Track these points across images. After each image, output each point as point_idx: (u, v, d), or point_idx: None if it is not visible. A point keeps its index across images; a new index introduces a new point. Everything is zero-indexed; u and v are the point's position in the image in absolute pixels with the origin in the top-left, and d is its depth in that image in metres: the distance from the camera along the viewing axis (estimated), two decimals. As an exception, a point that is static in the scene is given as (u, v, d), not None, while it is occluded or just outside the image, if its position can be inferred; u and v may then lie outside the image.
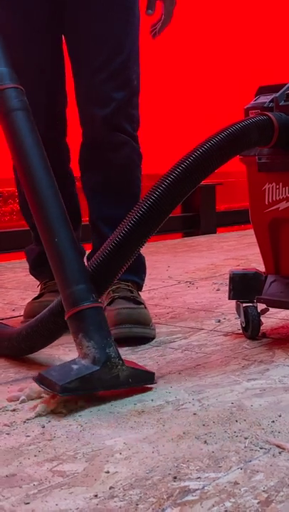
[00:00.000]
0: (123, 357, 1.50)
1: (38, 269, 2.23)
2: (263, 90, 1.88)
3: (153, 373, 1.55)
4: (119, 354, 1.48)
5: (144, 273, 2.16)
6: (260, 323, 1.92)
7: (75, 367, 1.43)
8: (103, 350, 1.46)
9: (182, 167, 1.58)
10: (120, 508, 1.00)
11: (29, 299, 2.16)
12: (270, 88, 1.86)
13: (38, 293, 2.18)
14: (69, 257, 1.59)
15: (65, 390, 1.38)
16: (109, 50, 2.00)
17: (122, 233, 1.55)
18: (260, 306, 1.93)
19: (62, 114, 2.14)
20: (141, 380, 1.51)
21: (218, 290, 2.71)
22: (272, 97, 1.81)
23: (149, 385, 1.52)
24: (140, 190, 2.14)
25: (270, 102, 1.80)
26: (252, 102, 1.86)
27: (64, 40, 2.08)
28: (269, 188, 1.86)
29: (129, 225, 1.55)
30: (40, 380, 1.43)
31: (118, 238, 1.56)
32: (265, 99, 1.83)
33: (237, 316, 2.06)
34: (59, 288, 1.59)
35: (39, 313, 1.84)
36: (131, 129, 2.07)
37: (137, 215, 1.55)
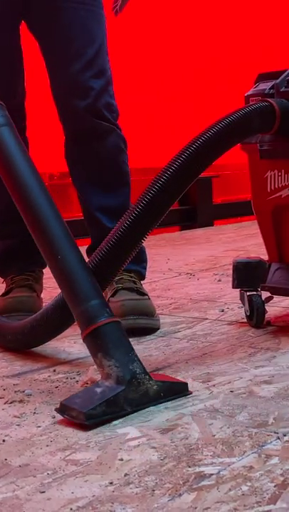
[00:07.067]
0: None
1: (2, 265, 2.18)
2: (262, 77, 1.87)
3: (186, 384, 1.43)
4: (144, 369, 1.37)
5: (146, 262, 2.13)
6: (264, 311, 1.91)
7: (98, 390, 1.32)
8: (126, 367, 1.34)
9: (184, 156, 1.56)
10: (137, 494, 0.99)
11: None
12: (269, 75, 1.85)
13: (5, 289, 2.12)
14: (77, 273, 1.49)
15: (91, 417, 1.25)
16: (82, 40, 1.99)
17: (126, 224, 1.53)
18: (264, 295, 1.93)
19: (21, 106, 2.11)
20: (174, 393, 1.39)
21: (219, 281, 2.70)
22: (272, 83, 1.80)
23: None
24: (130, 177, 2.13)
25: (270, 88, 1.79)
26: (252, 89, 1.85)
27: (34, 36, 2.05)
28: (271, 175, 1.85)
29: (132, 216, 1.54)
30: (63, 410, 1.30)
31: (122, 230, 1.53)
32: (265, 85, 1.82)
33: (240, 306, 2.05)
34: (70, 307, 1.49)
35: (14, 309, 1.80)
36: (111, 117, 2.05)
37: (141, 205, 1.52)
